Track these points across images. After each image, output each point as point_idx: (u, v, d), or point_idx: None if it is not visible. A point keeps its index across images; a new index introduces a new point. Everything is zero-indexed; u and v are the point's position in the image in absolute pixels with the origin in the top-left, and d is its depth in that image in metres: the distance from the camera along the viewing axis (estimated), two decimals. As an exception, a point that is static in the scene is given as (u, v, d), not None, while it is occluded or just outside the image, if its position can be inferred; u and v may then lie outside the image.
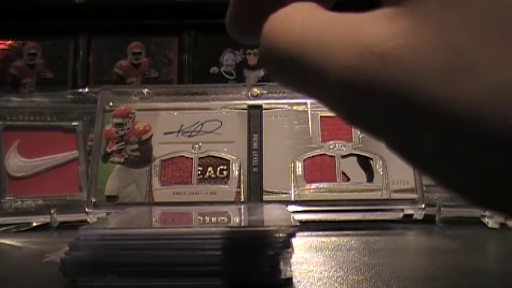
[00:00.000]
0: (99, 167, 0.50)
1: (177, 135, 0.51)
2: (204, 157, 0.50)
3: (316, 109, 0.52)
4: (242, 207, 0.45)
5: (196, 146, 0.51)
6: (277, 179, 0.49)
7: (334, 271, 0.28)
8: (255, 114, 0.52)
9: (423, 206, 0.47)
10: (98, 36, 0.77)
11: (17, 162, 0.56)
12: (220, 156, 0.50)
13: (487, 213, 0.46)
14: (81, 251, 0.26)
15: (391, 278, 0.26)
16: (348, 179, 0.49)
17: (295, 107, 0.52)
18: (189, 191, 0.49)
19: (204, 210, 0.41)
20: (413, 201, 0.47)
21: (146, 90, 0.53)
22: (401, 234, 0.45)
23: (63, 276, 0.25)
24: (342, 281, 0.26)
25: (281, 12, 0.18)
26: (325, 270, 0.29)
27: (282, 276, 0.25)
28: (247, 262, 0.25)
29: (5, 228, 0.48)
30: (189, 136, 0.51)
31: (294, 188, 0.48)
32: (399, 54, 0.15)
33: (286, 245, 0.25)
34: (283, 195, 0.48)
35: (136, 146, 0.51)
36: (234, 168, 0.49)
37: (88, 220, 0.47)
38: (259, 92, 0.53)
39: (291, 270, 0.26)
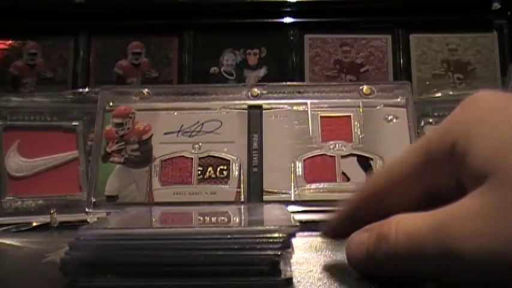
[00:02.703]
0: (99, 167, 0.50)
1: (177, 135, 0.51)
2: (204, 157, 0.50)
3: (317, 109, 0.52)
4: (242, 207, 0.45)
5: (197, 146, 0.51)
6: (277, 179, 0.49)
7: (334, 271, 0.28)
8: (255, 114, 0.52)
9: (423, 206, 0.47)
10: (98, 36, 0.77)
11: (17, 162, 0.57)
12: (220, 156, 0.50)
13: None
14: (81, 251, 0.26)
15: (392, 277, 0.26)
16: (348, 179, 0.49)
17: (295, 107, 0.52)
18: (189, 191, 0.49)
19: (204, 210, 0.41)
20: (413, 202, 0.47)
21: (146, 90, 0.54)
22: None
23: (63, 276, 0.25)
24: (342, 281, 0.26)
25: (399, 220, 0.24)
26: (325, 270, 0.29)
27: (282, 276, 0.25)
28: (247, 262, 0.25)
29: (5, 228, 0.48)
30: (189, 136, 0.51)
31: (294, 188, 0.48)
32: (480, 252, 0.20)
33: (286, 245, 0.25)
34: (283, 195, 0.48)
35: (136, 146, 0.51)
36: (234, 168, 0.49)
37: (88, 220, 0.47)
38: (259, 92, 0.53)
39: (291, 270, 0.26)
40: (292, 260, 0.27)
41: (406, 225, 0.23)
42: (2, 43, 0.76)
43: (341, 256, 0.32)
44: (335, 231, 0.30)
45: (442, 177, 0.25)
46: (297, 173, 0.49)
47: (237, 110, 0.52)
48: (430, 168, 0.25)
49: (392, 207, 0.26)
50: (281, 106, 0.52)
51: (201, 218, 0.37)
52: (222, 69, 0.76)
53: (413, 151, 0.27)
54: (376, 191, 0.28)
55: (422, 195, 0.26)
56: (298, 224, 0.28)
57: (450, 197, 0.23)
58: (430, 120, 0.57)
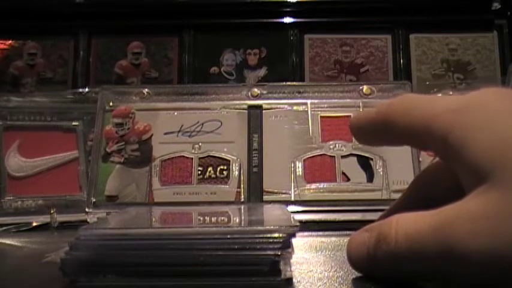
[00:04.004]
0: (99, 167, 0.50)
1: (177, 135, 0.51)
2: (204, 157, 0.50)
3: (317, 109, 0.52)
4: (242, 207, 0.45)
5: (197, 146, 0.51)
6: (277, 179, 0.49)
7: (334, 271, 0.28)
8: (255, 115, 0.52)
9: (423, 206, 0.47)
10: (98, 36, 0.77)
11: (17, 162, 0.57)
12: (220, 156, 0.50)
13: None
14: (81, 250, 0.26)
15: (392, 277, 0.26)
16: (348, 179, 0.49)
17: (295, 107, 0.52)
18: (189, 191, 0.49)
19: (204, 210, 0.41)
20: (413, 202, 0.47)
21: (146, 90, 0.53)
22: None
23: (63, 276, 0.25)
24: (342, 281, 0.26)
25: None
26: (325, 270, 0.29)
27: (282, 276, 0.25)
28: (247, 262, 0.25)
29: (5, 228, 0.48)
30: (189, 136, 0.51)
31: (294, 188, 0.48)
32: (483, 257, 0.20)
33: (286, 245, 0.25)
34: (283, 195, 0.48)
35: (136, 146, 0.51)
36: (234, 168, 0.49)
37: (88, 220, 0.47)
38: (259, 92, 0.53)
39: (291, 270, 0.26)
40: (292, 260, 0.27)
41: (405, 225, 0.23)
42: (2, 43, 0.76)
43: (341, 256, 0.32)
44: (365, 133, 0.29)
45: (436, 153, 0.25)
46: (297, 173, 0.49)
47: (237, 110, 0.52)
48: (427, 141, 0.25)
49: (400, 140, 0.27)
50: (281, 106, 0.52)
51: (201, 218, 0.37)
52: (222, 69, 0.76)
53: (418, 113, 0.25)
54: (387, 120, 0.27)
55: (423, 149, 0.26)
56: (298, 224, 0.28)
57: (447, 181, 0.24)
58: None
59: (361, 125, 0.28)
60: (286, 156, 0.50)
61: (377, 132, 0.28)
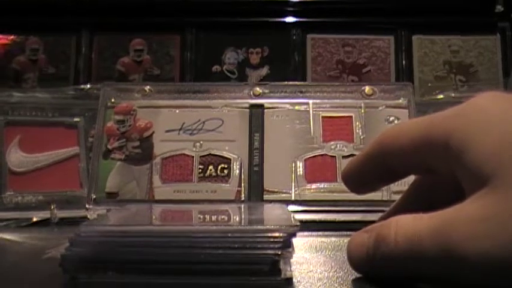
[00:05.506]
0: (100, 163, 0.50)
1: (179, 133, 0.51)
2: (205, 155, 0.50)
3: (318, 109, 0.52)
4: (242, 206, 0.45)
5: (198, 144, 0.51)
6: (278, 178, 0.49)
7: (334, 271, 0.29)
8: (256, 114, 0.52)
9: (423, 207, 0.47)
10: (100, 33, 0.77)
11: (18, 158, 0.57)
12: (221, 154, 0.50)
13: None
14: (82, 247, 0.26)
15: (391, 278, 0.26)
16: (349, 180, 0.49)
17: (296, 107, 0.52)
18: (190, 189, 0.49)
19: (204, 209, 0.41)
20: (413, 203, 0.47)
21: (148, 87, 0.54)
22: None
23: (63, 272, 0.25)
24: (342, 281, 0.26)
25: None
26: (325, 270, 0.29)
27: (282, 276, 0.25)
28: (247, 261, 0.25)
29: (5, 223, 0.48)
30: (190, 134, 0.51)
31: (294, 188, 0.48)
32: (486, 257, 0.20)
33: (287, 244, 0.25)
34: (284, 195, 0.48)
35: (137, 143, 0.51)
36: (234, 167, 0.49)
37: (88, 216, 0.48)
38: (261, 91, 0.53)
39: (291, 270, 0.26)
40: (292, 260, 0.27)
41: (405, 227, 0.23)
42: (4, 38, 0.76)
43: (341, 256, 0.32)
44: (354, 177, 0.30)
45: (436, 162, 0.25)
46: (298, 173, 0.49)
47: (239, 109, 0.52)
48: (426, 151, 0.25)
49: (397, 169, 0.27)
50: (283, 105, 0.52)
51: (201, 216, 0.37)
52: (224, 68, 0.76)
53: (414, 128, 0.26)
54: (383, 149, 0.27)
55: (423, 170, 0.26)
56: (298, 223, 0.28)
57: (447, 183, 0.24)
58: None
59: (354, 166, 0.29)
60: (287, 156, 0.50)
61: (373, 164, 0.28)
